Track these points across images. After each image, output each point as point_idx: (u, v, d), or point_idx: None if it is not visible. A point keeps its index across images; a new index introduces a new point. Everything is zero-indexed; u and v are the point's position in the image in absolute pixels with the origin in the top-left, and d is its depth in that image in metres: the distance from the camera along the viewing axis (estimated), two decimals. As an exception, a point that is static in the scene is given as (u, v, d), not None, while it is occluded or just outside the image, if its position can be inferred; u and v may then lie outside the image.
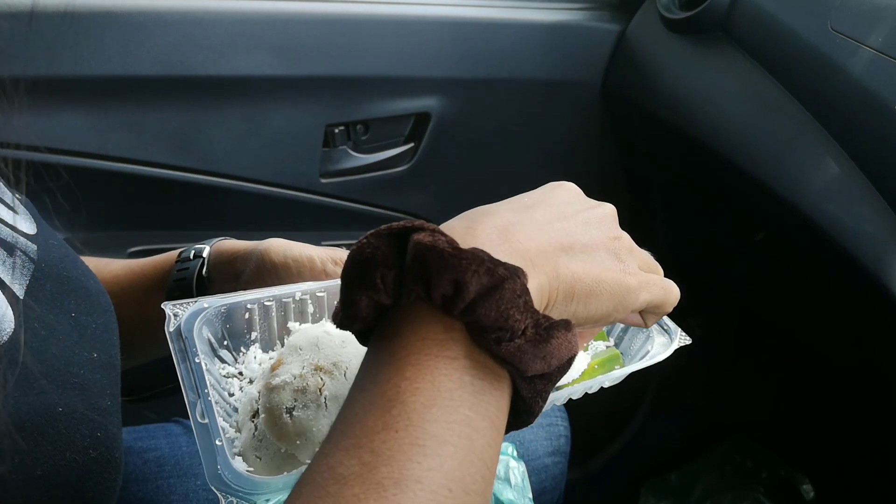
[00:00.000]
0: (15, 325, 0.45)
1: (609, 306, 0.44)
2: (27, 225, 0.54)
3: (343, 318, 0.41)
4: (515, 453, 0.74)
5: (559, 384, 0.54)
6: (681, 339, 0.59)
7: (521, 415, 0.42)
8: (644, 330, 0.60)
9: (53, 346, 0.48)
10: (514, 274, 0.38)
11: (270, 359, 0.59)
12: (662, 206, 1.41)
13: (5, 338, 0.44)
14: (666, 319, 0.59)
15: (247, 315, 0.58)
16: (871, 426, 1.24)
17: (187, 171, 1.13)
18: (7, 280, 0.47)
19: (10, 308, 0.45)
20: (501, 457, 0.72)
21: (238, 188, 1.17)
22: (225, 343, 0.57)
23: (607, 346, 0.63)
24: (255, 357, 0.59)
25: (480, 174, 1.35)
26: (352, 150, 1.24)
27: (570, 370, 0.50)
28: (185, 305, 0.54)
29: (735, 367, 1.47)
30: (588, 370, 0.59)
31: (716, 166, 1.08)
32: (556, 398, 0.54)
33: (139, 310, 0.71)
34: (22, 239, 0.51)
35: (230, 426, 0.52)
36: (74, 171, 1.03)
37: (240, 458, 0.50)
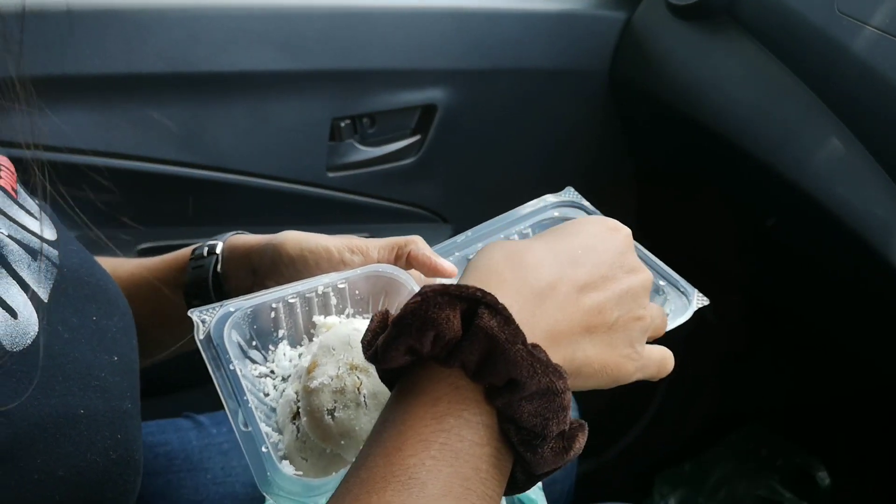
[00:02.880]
0: (39, 328, 0.45)
1: (602, 383, 0.46)
2: (49, 231, 0.55)
3: (379, 357, 0.41)
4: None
5: None
6: (699, 299, 0.58)
7: (510, 490, 0.42)
8: (661, 293, 0.60)
9: (75, 349, 0.49)
10: (566, 389, 0.39)
11: (300, 355, 0.59)
12: (671, 193, 1.40)
13: (29, 341, 0.44)
14: (681, 280, 0.59)
15: (272, 314, 0.58)
16: (887, 413, 1.23)
17: (194, 167, 1.13)
18: (33, 285, 0.48)
19: (34, 313, 0.46)
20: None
21: (245, 183, 1.17)
22: (253, 343, 0.58)
23: None
24: (284, 354, 0.59)
25: (488, 165, 1.35)
26: (358, 143, 1.24)
27: None
28: (210, 311, 0.54)
29: (749, 355, 1.46)
30: None
31: (724, 151, 1.07)
32: None
33: (155, 307, 0.72)
34: (45, 245, 0.52)
35: (272, 429, 0.53)
36: (80, 170, 1.04)
37: (286, 461, 0.50)
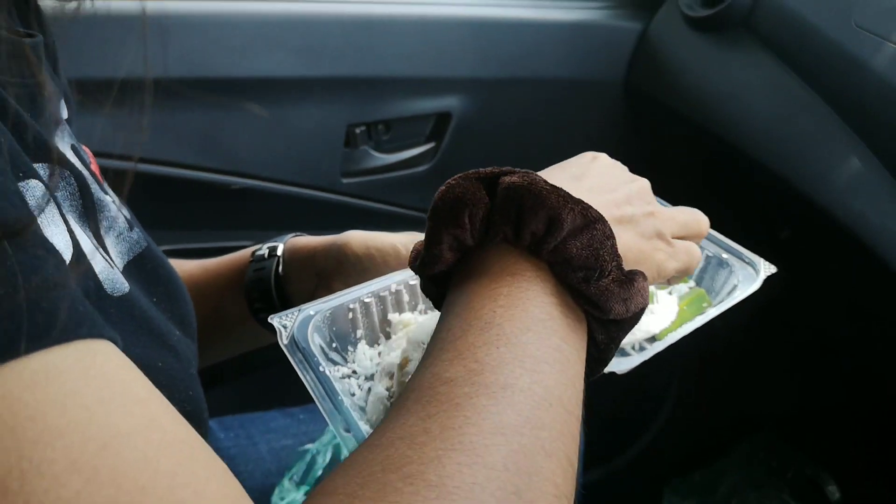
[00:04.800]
0: (130, 287, 0.48)
1: (649, 277, 0.46)
2: (131, 220, 0.58)
3: (425, 259, 0.43)
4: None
5: (658, 333, 0.58)
6: (766, 268, 0.59)
7: (592, 363, 0.43)
8: (725, 265, 0.61)
9: (151, 312, 0.51)
10: (602, 217, 0.40)
11: (380, 353, 0.59)
12: (685, 204, 1.40)
13: (126, 289, 0.47)
14: (746, 252, 0.61)
15: (350, 315, 0.59)
16: (899, 426, 1.22)
17: (211, 172, 1.14)
18: (112, 251, 0.50)
19: (119, 274, 0.48)
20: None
21: (261, 188, 1.18)
22: (333, 346, 0.58)
23: (690, 288, 0.62)
24: (364, 353, 0.59)
25: (502, 173, 1.35)
26: (373, 149, 1.24)
27: (662, 316, 0.55)
28: (290, 316, 0.55)
29: (760, 364, 1.45)
30: (679, 312, 0.59)
31: (740, 163, 1.07)
32: (662, 345, 0.55)
33: (215, 309, 0.72)
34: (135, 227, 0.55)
35: (365, 424, 0.53)
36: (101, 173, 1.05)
37: None
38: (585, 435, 0.95)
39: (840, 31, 0.91)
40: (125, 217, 0.53)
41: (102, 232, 0.51)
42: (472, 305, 0.40)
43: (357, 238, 0.64)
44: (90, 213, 0.49)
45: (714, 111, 1.11)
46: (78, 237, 0.45)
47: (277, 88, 1.14)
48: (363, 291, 0.58)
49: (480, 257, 0.42)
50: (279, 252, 0.70)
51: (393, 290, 0.59)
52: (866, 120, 0.88)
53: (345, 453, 0.45)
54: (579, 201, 0.40)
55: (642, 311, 0.42)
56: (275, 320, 0.54)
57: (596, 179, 0.49)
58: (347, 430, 0.46)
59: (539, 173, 0.47)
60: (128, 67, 1.05)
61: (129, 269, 0.52)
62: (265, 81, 1.13)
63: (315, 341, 0.55)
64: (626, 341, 0.56)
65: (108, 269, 0.47)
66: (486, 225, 0.41)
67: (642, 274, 0.42)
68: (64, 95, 0.64)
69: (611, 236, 0.40)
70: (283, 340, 0.53)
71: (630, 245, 0.46)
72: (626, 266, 0.44)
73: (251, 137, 1.16)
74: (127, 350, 0.45)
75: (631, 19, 1.29)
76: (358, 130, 1.21)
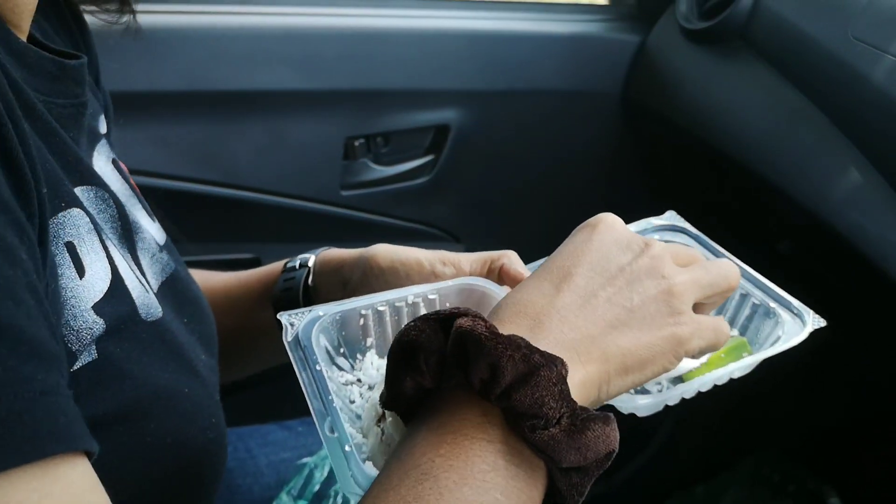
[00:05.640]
0: (162, 309, 0.49)
1: (666, 363, 0.44)
2: (160, 235, 0.60)
3: (388, 398, 0.42)
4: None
5: (685, 374, 0.54)
6: (814, 321, 0.56)
7: None
8: (771, 315, 0.58)
9: (182, 338, 0.52)
10: (551, 362, 0.38)
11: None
12: (684, 216, 1.40)
13: (159, 314, 0.48)
14: (794, 301, 0.57)
15: (361, 321, 0.58)
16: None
17: (210, 184, 1.14)
18: (147, 273, 0.52)
19: (154, 298, 0.50)
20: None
21: (260, 200, 1.18)
22: (341, 350, 0.57)
23: (732, 335, 0.58)
24: (371, 363, 0.58)
25: (501, 185, 1.35)
26: (372, 162, 1.24)
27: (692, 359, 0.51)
28: (299, 315, 0.54)
29: (763, 379, 1.45)
30: (714, 359, 0.56)
31: (738, 175, 1.07)
32: (685, 391, 0.52)
33: (246, 320, 0.73)
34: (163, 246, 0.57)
35: (357, 432, 0.52)
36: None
37: (370, 462, 0.49)
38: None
39: (837, 42, 0.91)
40: (154, 238, 0.54)
41: (139, 254, 0.52)
42: (413, 452, 0.39)
43: (383, 251, 0.64)
44: (128, 235, 0.51)
45: (712, 123, 1.11)
46: (117, 263, 0.46)
47: (277, 101, 1.15)
48: (378, 299, 0.57)
49: (436, 399, 0.41)
50: (310, 263, 0.70)
51: (410, 301, 0.58)
52: (864, 131, 0.88)
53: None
54: (521, 346, 0.38)
55: (608, 456, 0.40)
56: (283, 317, 0.53)
57: (593, 272, 0.45)
58: (333, 432, 0.46)
59: (533, 279, 0.46)
60: (128, 81, 1.05)
61: (163, 291, 0.53)
62: (265, 94, 1.13)
63: (320, 342, 0.54)
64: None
65: (144, 293, 0.48)
66: (441, 369, 0.40)
67: (605, 417, 0.40)
68: (105, 109, 0.64)
69: (559, 382, 0.38)
70: (287, 338, 0.52)
71: (632, 348, 0.43)
72: (634, 370, 0.43)
73: (251, 150, 1.16)
74: (155, 377, 0.46)
75: (629, 32, 1.29)
76: (357, 143, 1.21)
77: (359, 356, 0.59)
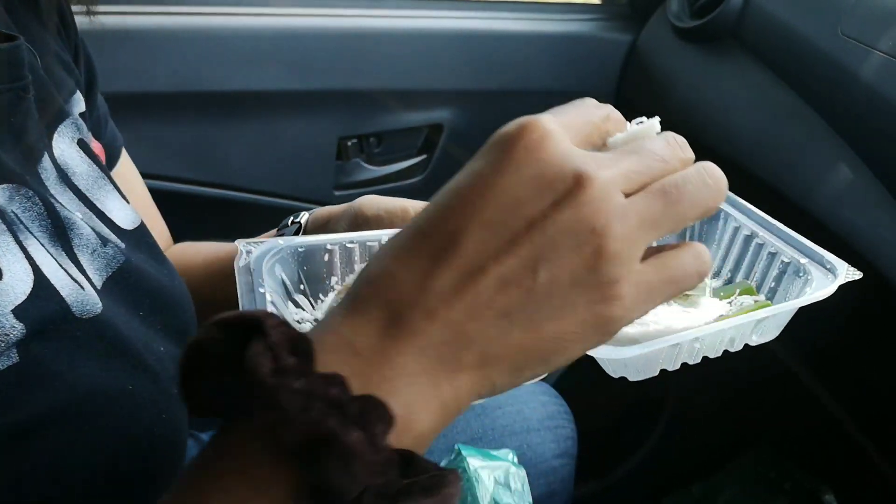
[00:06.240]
0: (102, 305, 0.48)
1: (587, 347, 0.33)
2: (134, 217, 0.58)
3: (189, 406, 0.31)
4: (516, 459, 0.74)
5: (683, 329, 0.44)
6: (849, 273, 0.49)
7: None
8: (801, 273, 0.50)
9: (132, 332, 0.50)
10: (361, 419, 0.28)
11: (339, 294, 0.53)
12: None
13: (97, 310, 0.47)
14: (826, 255, 0.50)
15: (326, 257, 0.52)
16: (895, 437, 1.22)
17: (203, 185, 1.14)
18: (88, 270, 0.50)
19: (95, 293, 0.48)
20: (501, 463, 0.71)
21: (253, 201, 1.18)
22: (301, 287, 0.52)
23: (756, 301, 0.52)
24: (334, 304, 0.52)
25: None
26: (365, 162, 1.24)
27: (695, 317, 0.44)
28: (258, 243, 0.50)
29: (758, 377, 1.45)
30: (722, 318, 0.48)
31: (729, 173, 1.07)
32: (678, 336, 0.43)
33: (229, 291, 0.72)
34: (115, 236, 0.55)
35: None
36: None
37: None
38: (579, 447, 0.94)
39: (827, 40, 0.91)
40: (95, 233, 0.52)
41: (77, 251, 0.50)
42: (194, 482, 0.31)
43: (369, 201, 0.64)
44: (60, 233, 0.49)
45: (704, 121, 1.11)
46: (39, 262, 0.45)
47: (269, 102, 1.15)
48: (347, 237, 0.53)
49: (230, 429, 0.33)
50: (302, 220, 0.70)
51: (383, 241, 0.51)
52: (855, 128, 0.88)
53: None
54: (317, 398, 0.28)
55: None
56: (241, 243, 0.49)
57: (475, 238, 0.31)
58: None
59: (386, 251, 0.33)
60: (120, 82, 1.05)
61: (109, 286, 0.51)
62: (257, 95, 1.13)
63: (276, 274, 0.49)
64: (639, 333, 0.44)
65: (79, 290, 0.46)
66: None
67: (433, 485, 0.28)
68: (88, 87, 0.64)
69: (366, 449, 0.27)
70: (239, 263, 0.47)
71: (524, 345, 0.31)
72: (536, 364, 0.32)
73: (243, 150, 1.16)
74: (91, 375, 0.45)
75: (621, 31, 1.29)
76: (350, 143, 1.21)
77: (321, 296, 0.53)
